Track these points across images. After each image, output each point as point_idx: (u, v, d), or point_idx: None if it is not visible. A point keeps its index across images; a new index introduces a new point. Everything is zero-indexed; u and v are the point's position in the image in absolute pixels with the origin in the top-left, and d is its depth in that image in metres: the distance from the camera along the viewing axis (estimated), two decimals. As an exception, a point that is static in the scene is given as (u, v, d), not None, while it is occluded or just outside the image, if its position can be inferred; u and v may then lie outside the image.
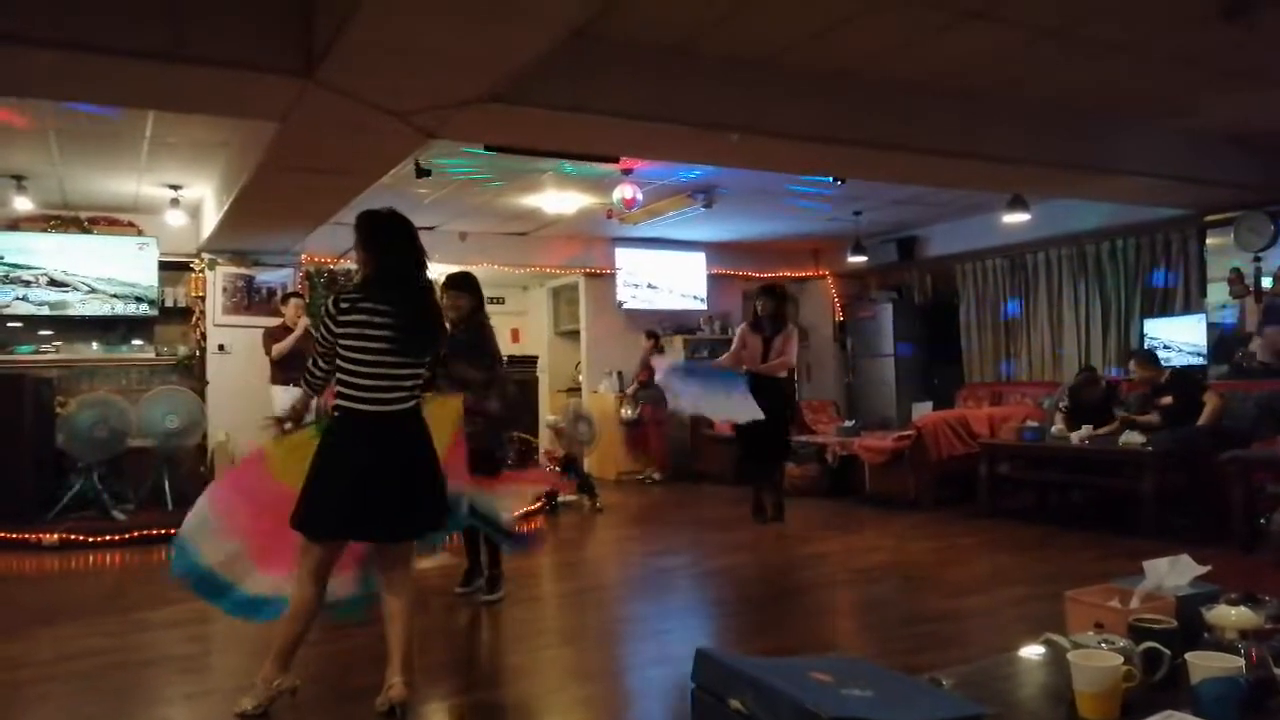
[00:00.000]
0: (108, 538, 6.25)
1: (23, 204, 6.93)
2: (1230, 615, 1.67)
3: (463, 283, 4.60)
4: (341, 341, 2.93)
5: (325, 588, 3.03)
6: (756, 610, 4.55)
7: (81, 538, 6.20)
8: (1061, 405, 6.84)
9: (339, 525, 2.94)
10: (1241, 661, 1.47)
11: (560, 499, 7.51)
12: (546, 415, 9.04)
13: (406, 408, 2.99)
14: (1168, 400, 6.22)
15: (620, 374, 9.73)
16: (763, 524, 6.62)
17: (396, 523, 2.97)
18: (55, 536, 6.15)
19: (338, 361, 2.95)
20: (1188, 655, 1.50)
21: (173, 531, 6.28)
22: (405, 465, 2.96)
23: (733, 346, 6.82)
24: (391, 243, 3.02)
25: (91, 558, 5.95)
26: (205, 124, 5.27)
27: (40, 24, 3.28)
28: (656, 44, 4.29)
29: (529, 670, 3.72)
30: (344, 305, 2.94)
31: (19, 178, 6.57)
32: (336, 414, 2.96)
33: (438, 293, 4.02)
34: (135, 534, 6.30)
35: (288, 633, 3.00)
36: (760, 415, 6.10)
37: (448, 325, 4.23)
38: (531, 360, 9.11)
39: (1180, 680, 1.51)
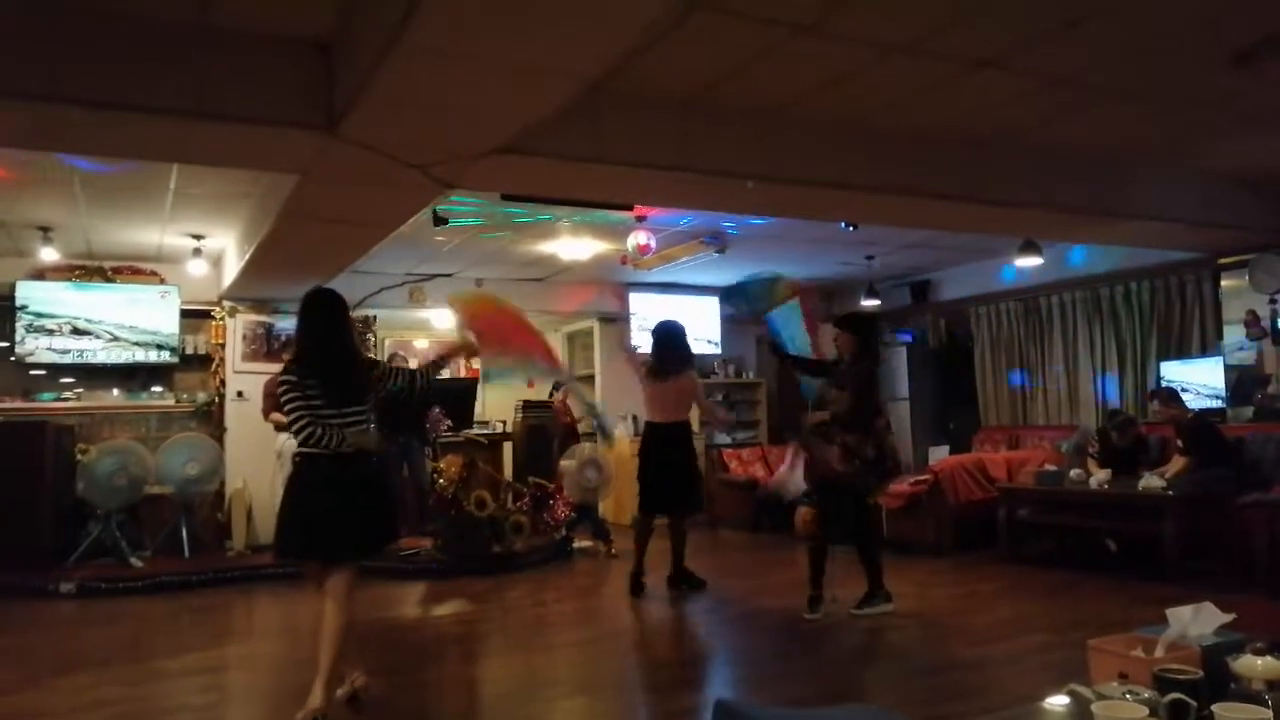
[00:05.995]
0: (124, 585, 6.27)
1: (48, 254, 7.06)
2: (1257, 665, 1.65)
3: (843, 321, 5.05)
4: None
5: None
6: (776, 659, 4.49)
7: (99, 585, 6.22)
8: (1091, 451, 6.77)
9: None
10: (1269, 713, 1.45)
11: (575, 545, 7.48)
12: (561, 461, 9.01)
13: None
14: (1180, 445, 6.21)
15: (635, 418, 9.72)
16: (641, 596, 5.74)
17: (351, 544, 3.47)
18: (73, 584, 6.16)
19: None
20: (1214, 707, 1.48)
21: (190, 578, 6.37)
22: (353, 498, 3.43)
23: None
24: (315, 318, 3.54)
25: (108, 605, 5.95)
26: (228, 176, 5.38)
27: (72, 83, 3.39)
28: (670, 95, 4.37)
29: (545, 720, 3.69)
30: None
31: (45, 229, 6.71)
32: (298, 460, 3.43)
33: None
34: (152, 581, 6.33)
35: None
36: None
37: (838, 363, 4.93)
38: (547, 405, 9.11)
39: (1208, 732, 1.49)
